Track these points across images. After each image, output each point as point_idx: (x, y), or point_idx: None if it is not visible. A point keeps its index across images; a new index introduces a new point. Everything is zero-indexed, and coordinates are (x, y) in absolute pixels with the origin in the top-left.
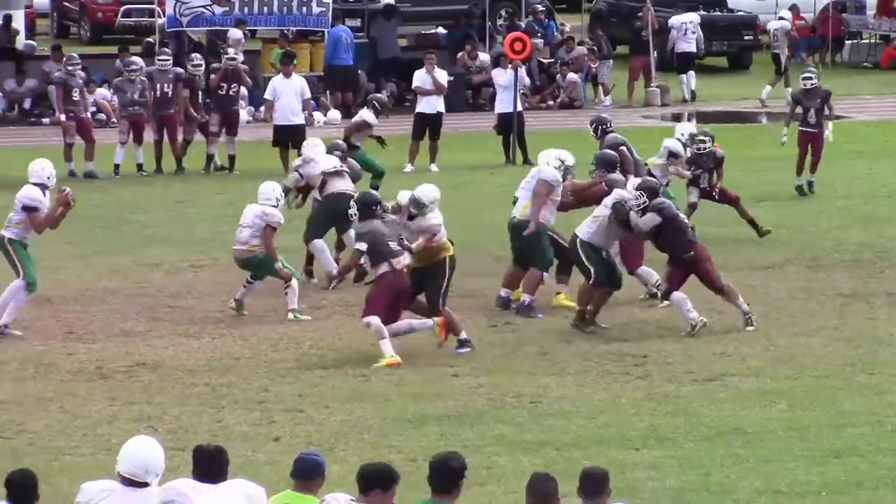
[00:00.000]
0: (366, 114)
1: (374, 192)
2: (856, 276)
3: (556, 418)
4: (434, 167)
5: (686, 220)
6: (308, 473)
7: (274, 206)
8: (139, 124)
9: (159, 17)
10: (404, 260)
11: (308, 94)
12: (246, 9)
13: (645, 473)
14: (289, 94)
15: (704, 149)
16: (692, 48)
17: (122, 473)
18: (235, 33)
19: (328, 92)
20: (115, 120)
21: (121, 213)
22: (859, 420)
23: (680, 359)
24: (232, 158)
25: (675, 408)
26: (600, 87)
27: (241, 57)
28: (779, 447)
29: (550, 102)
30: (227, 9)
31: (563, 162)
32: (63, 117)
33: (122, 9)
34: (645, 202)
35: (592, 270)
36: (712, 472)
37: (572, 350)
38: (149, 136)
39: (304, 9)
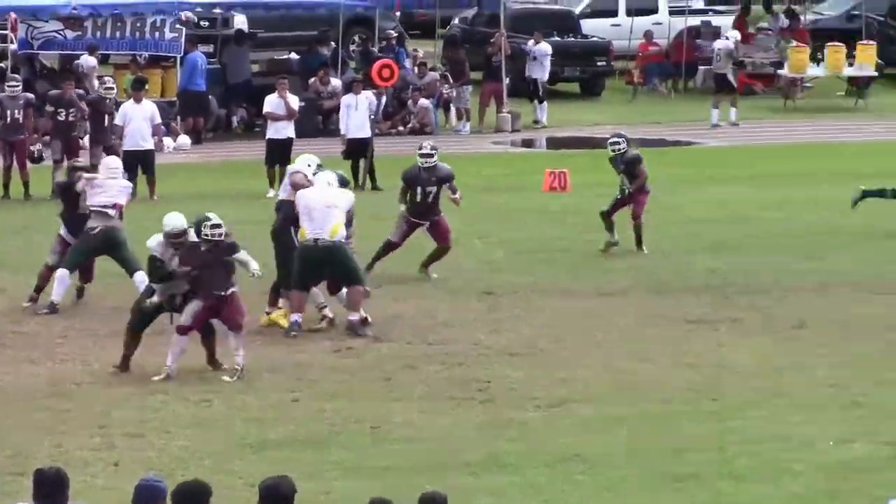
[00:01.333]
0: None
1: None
2: (702, 301)
3: (398, 443)
4: (272, 192)
5: None
6: (148, 499)
7: None
8: None
9: (11, 42)
10: None
11: (158, 120)
12: (98, 33)
13: (486, 500)
14: (139, 119)
15: (619, 150)
16: (545, 75)
17: None
18: (89, 60)
19: (179, 118)
20: None
21: None
22: (701, 446)
23: (524, 385)
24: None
25: (517, 434)
26: (452, 113)
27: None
28: (619, 474)
29: (401, 128)
30: (79, 33)
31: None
32: None
33: None
34: None
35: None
36: (553, 499)
37: (416, 375)
38: None
39: (157, 34)
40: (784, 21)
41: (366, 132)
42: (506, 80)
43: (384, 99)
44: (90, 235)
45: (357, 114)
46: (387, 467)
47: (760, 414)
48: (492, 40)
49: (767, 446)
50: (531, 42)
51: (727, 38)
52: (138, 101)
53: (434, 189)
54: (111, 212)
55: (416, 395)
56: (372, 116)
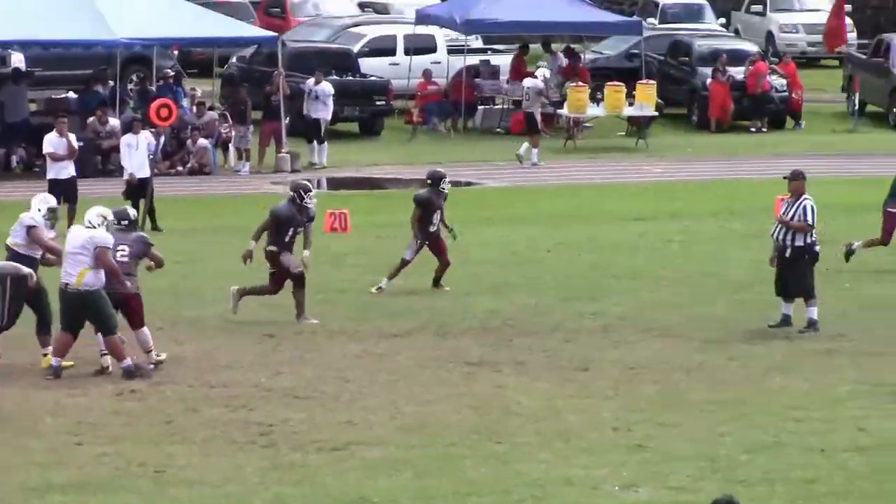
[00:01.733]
0: None
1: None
2: (484, 343)
3: (180, 487)
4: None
5: None
6: None
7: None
8: None
9: None
10: None
11: None
12: None
13: None
14: None
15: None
16: (326, 115)
17: None
18: None
19: None
20: None
21: None
22: (485, 489)
23: (306, 427)
24: None
25: (300, 477)
26: (231, 153)
27: None
28: None
29: (180, 168)
30: None
31: (105, 218)
32: None
33: None
34: None
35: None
36: None
37: (197, 419)
38: None
39: None
40: (563, 60)
41: (145, 172)
42: (285, 120)
43: (163, 139)
44: None
45: (137, 153)
46: None
47: (545, 457)
48: (271, 79)
49: (552, 489)
50: (311, 81)
51: (536, 77)
52: None
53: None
54: None
55: (199, 438)
56: (151, 156)
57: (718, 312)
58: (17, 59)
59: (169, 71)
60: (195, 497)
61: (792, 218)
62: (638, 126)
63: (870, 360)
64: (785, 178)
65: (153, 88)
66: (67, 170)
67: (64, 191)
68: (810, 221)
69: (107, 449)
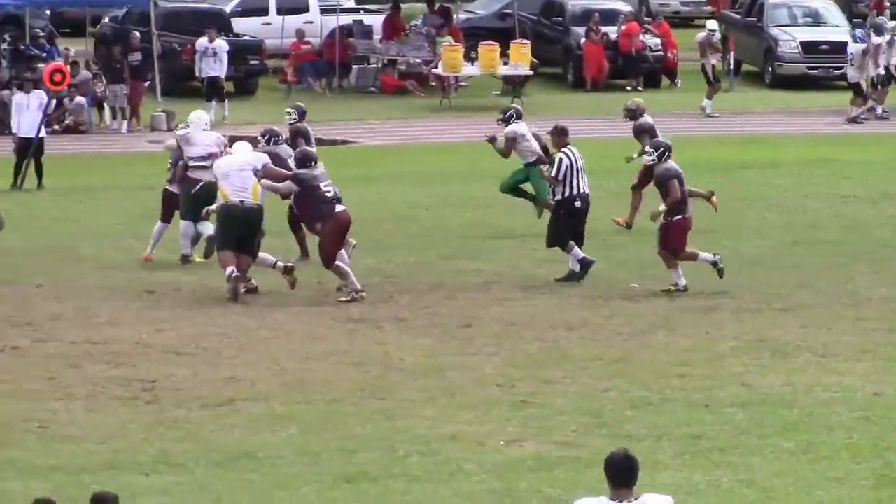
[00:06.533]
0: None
1: None
2: (365, 301)
3: (65, 443)
4: None
5: None
6: None
7: None
8: None
9: None
10: None
11: None
12: None
13: (156, 499)
14: None
15: None
16: (217, 72)
17: None
18: None
19: None
20: None
21: None
22: (370, 445)
23: (189, 384)
24: None
25: (185, 433)
26: (107, 112)
27: None
28: (290, 472)
29: (56, 127)
30: None
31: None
32: None
33: None
34: None
35: None
36: (223, 498)
37: (80, 375)
38: None
39: None
40: (437, 19)
41: (34, 132)
42: (158, 79)
43: (54, 101)
44: None
45: (28, 113)
46: (56, 467)
47: (429, 413)
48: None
49: (438, 446)
50: (204, 39)
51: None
52: None
53: None
54: None
55: (82, 394)
56: (43, 116)
57: (598, 270)
58: None
59: (40, 31)
60: (81, 452)
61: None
62: (513, 85)
63: (751, 317)
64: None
65: (25, 47)
66: None
67: None
68: (555, 175)
69: None
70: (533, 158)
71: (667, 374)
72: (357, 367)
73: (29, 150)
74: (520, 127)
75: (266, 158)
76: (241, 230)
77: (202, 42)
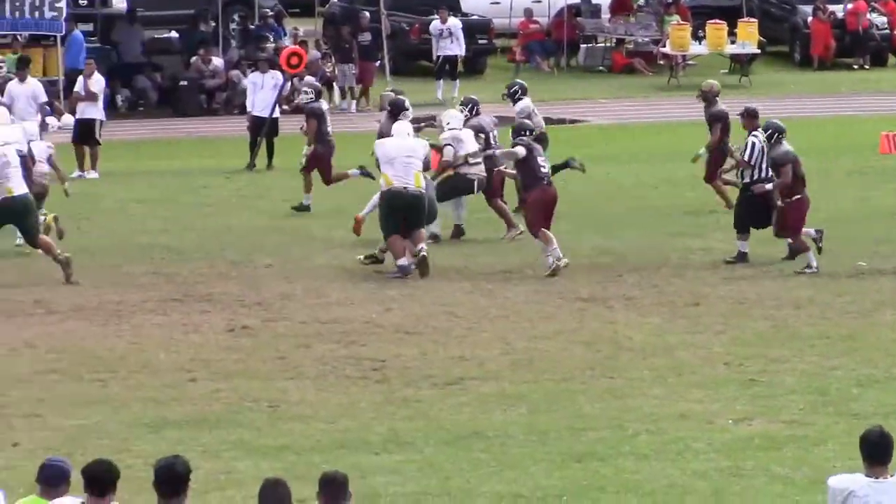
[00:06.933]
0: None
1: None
2: (593, 280)
3: (294, 422)
4: (93, 174)
5: None
6: (54, 480)
7: None
8: None
9: None
10: None
11: (43, 99)
12: None
13: (385, 478)
14: (22, 98)
15: None
16: (455, 52)
17: None
18: None
19: (63, 97)
20: None
21: None
22: (599, 424)
23: (418, 363)
24: None
25: (414, 412)
26: (336, 92)
27: None
28: (519, 451)
29: (285, 107)
30: None
31: None
32: None
33: None
34: None
35: None
36: (453, 477)
37: (310, 354)
38: None
39: (37, 13)
40: None
41: (268, 111)
42: (387, 59)
43: (289, 84)
44: None
45: (262, 92)
46: (285, 446)
47: (658, 392)
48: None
49: (666, 424)
50: (436, 21)
51: None
52: (22, 79)
53: None
54: None
55: (312, 373)
56: (278, 96)
57: (827, 248)
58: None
59: (269, 10)
60: (310, 432)
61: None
62: (740, 64)
63: None
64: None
65: (254, 27)
66: (88, 112)
67: (82, 133)
68: (746, 158)
69: (221, 385)
70: None
71: (894, 351)
72: (586, 345)
73: (262, 128)
74: (526, 103)
75: (427, 147)
76: (406, 216)
77: (436, 25)
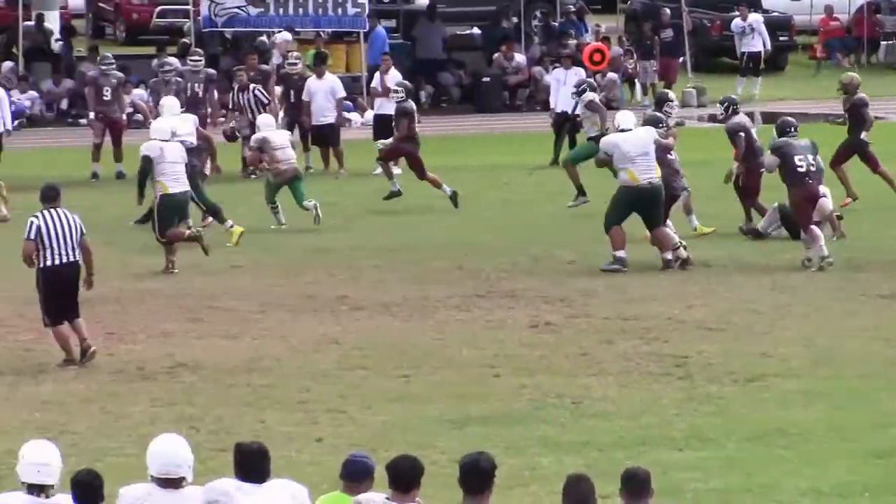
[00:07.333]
0: None
1: None
2: (895, 276)
3: (597, 419)
4: (397, 169)
5: None
6: (357, 475)
7: None
8: None
9: (196, 16)
10: None
11: (341, 94)
12: (281, 10)
13: (688, 474)
14: (321, 94)
15: None
16: (759, 48)
17: (156, 475)
18: (284, 35)
19: (365, 93)
20: (151, 121)
21: None
22: None
23: (720, 359)
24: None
25: (716, 408)
26: (637, 88)
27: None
28: (821, 448)
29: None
30: (262, 10)
31: None
32: (92, 115)
33: (157, 9)
34: None
35: None
36: (755, 473)
37: (613, 351)
38: None
39: (340, 10)
40: None
41: (569, 107)
42: (688, 55)
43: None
44: None
45: (564, 88)
46: (588, 442)
47: None
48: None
49: None
50: (737, 19)
51: None
52: (320, 76)
53: None
54: None
55: (614, 369)
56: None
57: None
58: None
59: (571, 7)
60: (613, 428)
61: None
62: None
63: None
64: None
65: (555, 24)
66: (385, 107)
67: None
68: None
69: (524, 381)
70: (594, 133)
71: None
72: (888, 342)
73: (564, 124)
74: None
75: (654, 135)
76: (642, 209)
77: (737, 22)
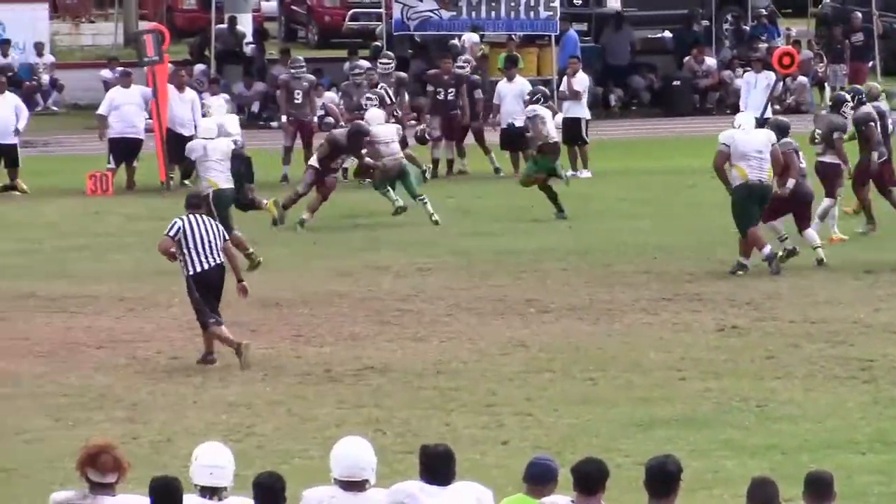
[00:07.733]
0: None
1: None
2: None
3: (782, 422)
4: (586, 173)
5: None
6: (541, 478)
7: None
8: None
9: (388, 19)
10: None
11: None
12: (473, 13)
13: (872, 478)
14: (510, 97)
15: None
16: None
17: (339, 478)
18: (472, 37)
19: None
20: (342, 123)
21: (346, 217)
22: None
23: None
24: (449, 163)
25: None
26: (827, 92)
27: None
28: None
29: (777, 106)
30: (454, 13)
31: None
32: (284, 118)
33: (350, 12)
34: None
35: None
36: None
37: (798, 354)
38: None
39: (532, 13)
40: None
41: (759, 112)
42: (879, 59)
43: (780, 84)
44: None
45: (756, 92)
46: (772, 445)
47: None
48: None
49: None
50: None
51: None
52: (510, 79)
53: None
54: None
55: (800, 373)
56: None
57: None
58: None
59: (763, 10)
60: (798, 431)
61: None
62: None
63: None
64: None
65: (746, 28)
66: (576, 110)
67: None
68: None
69: (710, 384)
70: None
71: None
72: None
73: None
74: (541, 110)
75: (773, 139)
76: (759, 205)
77: None
